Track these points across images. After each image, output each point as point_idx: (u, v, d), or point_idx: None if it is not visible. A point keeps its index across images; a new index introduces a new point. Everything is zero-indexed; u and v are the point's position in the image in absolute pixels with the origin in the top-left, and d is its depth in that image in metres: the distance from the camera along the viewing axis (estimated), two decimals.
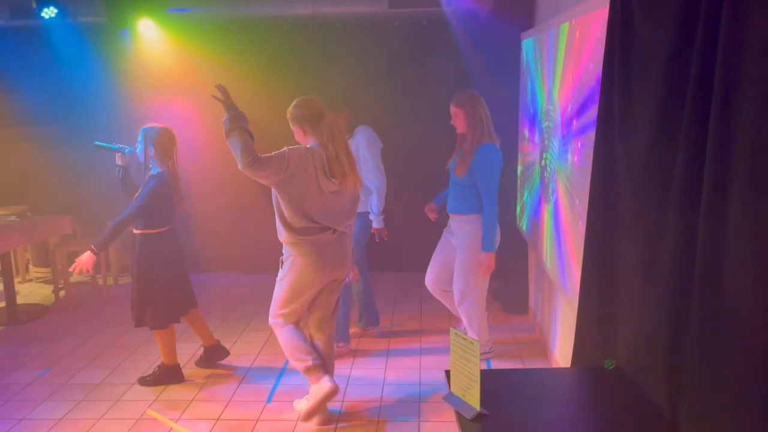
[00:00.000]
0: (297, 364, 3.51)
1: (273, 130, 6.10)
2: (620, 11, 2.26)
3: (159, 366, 4.16)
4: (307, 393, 3.62)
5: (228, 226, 6.40)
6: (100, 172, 6.17)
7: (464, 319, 4.28)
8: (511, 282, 5.31)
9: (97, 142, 4.16)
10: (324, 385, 3.41)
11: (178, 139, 4.01)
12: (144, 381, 4.11)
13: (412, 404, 3.78)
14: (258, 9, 5.53)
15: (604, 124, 2.41)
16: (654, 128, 1.97)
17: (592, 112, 2.84)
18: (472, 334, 4.24)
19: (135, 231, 3.95)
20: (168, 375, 4.12)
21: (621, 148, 2.24)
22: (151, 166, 3.95)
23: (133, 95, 6.04)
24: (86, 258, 3.73)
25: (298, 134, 3.45)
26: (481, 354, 3.96)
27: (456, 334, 2.14)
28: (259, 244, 6.33)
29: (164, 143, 3.91)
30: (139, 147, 3.93)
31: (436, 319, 5.13)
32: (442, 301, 4.50)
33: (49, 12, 4.91)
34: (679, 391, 1.93)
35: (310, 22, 6.02)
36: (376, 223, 4.59)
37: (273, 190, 3.28)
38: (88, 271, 3.75)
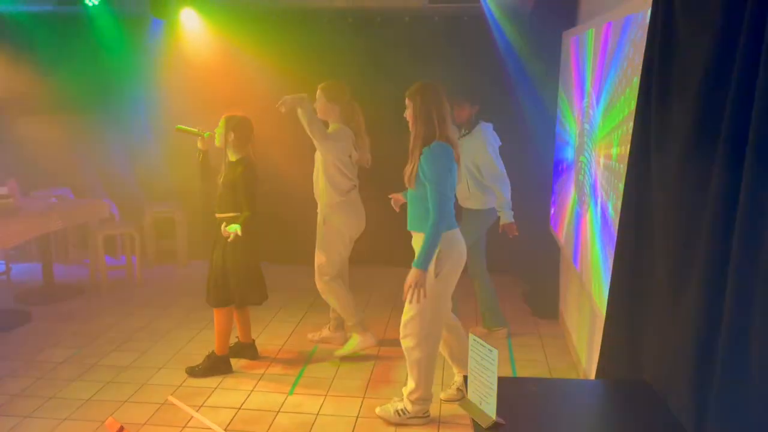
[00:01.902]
0: (350, 319, 4.32)
1: None
2: (661, 15, 2.18)
3: (209, 356, 4.16)
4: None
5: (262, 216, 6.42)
6: (140, 158, 6.31)
7: (412, 370, 3.48)
8: (541, 286, 5.22)
9: (179, 126, 4.20)
10: (369, 339, 4.35)
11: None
12: (192, 372, 4.12)
13: (432, 405, 3.73)
14: (299, 0, 5.54)
15: (640, 131, 2.33)
16: (691, 138, 1.89)
17: (629, 117, 2.75)
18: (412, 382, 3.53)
19: (220, 215, 4.02)
20: (218, 366, 4.13)
21: (656, 158, 2.17)
22: (228, 152, 4.04)
23: (174, 84, 6.13)
24: (235, 231, 3.87)
25: (320, 104, 4.17)
26: (410, 417, 3.49)
27: (475, 339, 2.10)
28: (289, 234, 6.38)
29: (244, 130, 4.01)
30: (220, 133, 4.02)
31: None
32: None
33: (92, 0, 5.01)
34: (705, 410, 1.86)
35: (349, 15, 6.00)
36: (507, 217, 4.41)
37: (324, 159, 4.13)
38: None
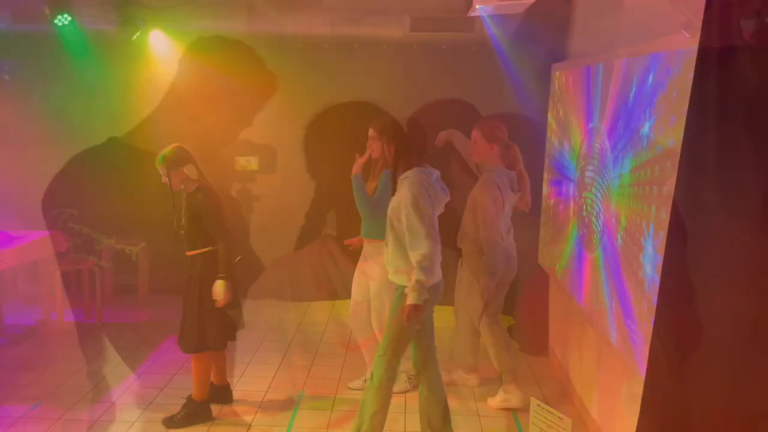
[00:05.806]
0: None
1: (285, 147, 5.92)
2: (716, 50, 2.07)
3: (186, 403, 3.84)
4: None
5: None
6: (97, 186, 5.89)
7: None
8: (529, 320, 5.11)
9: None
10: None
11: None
12: (170, 422, 3.78)
13: None
14: (276, 27, 5.33)
15: (689, 184, 2.18)
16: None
17: (658, 157, 2.66)
18: None
19: (190, 253, 3.71)
20: (198, 413, 3.81)
21: (718, 217, 2.03)
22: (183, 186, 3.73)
23: (140, 110, 5.77)
24: (223, 289, 3.62)
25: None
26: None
27: (539, 405, 1.93)
28: (257, 268, 6.10)
29: (180, 162, 3.66)
30: (164, 178, 3.68)
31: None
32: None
33: (63, 20, 4.65)
34: None
35: (326, 42, 5.82)
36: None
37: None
38: None
